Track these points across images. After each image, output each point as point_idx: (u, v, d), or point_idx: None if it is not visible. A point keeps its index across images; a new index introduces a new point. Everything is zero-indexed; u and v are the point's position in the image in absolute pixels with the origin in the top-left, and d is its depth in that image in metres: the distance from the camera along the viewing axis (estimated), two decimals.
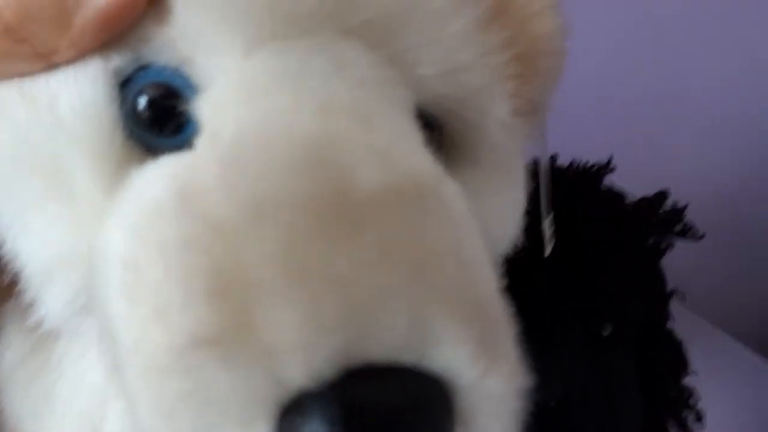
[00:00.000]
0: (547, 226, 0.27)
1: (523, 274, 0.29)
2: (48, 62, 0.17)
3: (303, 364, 0.13)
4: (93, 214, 0.17)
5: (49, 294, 0.18)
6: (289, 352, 0.13)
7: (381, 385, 0.13)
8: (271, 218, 0.14)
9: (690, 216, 0.40)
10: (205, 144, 0.16)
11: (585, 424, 0.34)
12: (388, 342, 0.13)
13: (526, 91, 0.20)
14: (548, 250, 0.27)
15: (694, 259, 0.46)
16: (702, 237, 0.38)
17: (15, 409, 0.21)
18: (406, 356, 0.14)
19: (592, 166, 0.38)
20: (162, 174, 0.16)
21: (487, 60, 0.18)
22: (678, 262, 0.40)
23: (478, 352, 0.14)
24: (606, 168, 0.38)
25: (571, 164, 0.39)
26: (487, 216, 0.19)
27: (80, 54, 0.16)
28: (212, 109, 0.16)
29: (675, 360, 0.41)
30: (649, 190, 0.41)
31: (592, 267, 0.34)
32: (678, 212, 0.39)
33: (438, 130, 0.19)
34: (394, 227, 0.15)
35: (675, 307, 0.40)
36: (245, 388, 0.13)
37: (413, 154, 0.16)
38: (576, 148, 0.39)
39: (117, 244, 0.16)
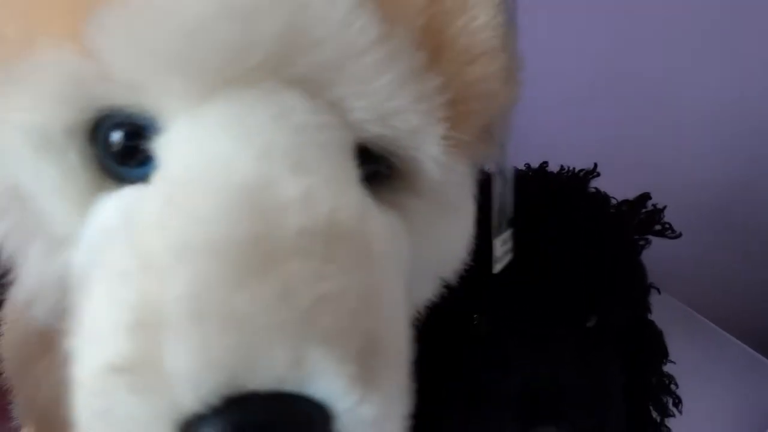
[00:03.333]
0: (499, 244, 0.28)
1: (512, 272, 0.32)
2: None
3: (192, 392, 0.15)
4: (69, 239, 0.19)
5: (39, 306, 0.21)
6: (182, 382, 0.15)
7: (263, 408, 0.16)
8: (190, 260, 0.16)
9: (680, 214, 0.42)
10: (157, 182, 0.18)
11: (574, 410, 0.36)
12: (270, 375, 0.15)
13: (464, 130, 0.21)
14: (497, 268, 0.28)
15: (691, 257, 0.48)
16: (679, 236, 0.41)
17: None
18: (288, 387, 0.16)
19: (580, 171, 0.41)
20: (116, 205, 0.18)
21: (419, 105, 0.19)
22: (674, 260, 0.42)
23: (353, 384, 0.16)
24: (592, 173, 0.41)
25: (561, 169, 0.42)
26: (431, 241, 0.21)
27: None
28: (166, 149, 0.18)
29: (655, 348, 0.44)
30: (638, 192, 0.43)
31: (577, 264, 0.37)
32: (656, 212, 0.42)
33: (384, 162, 0.21)
34: (301, 269, 0.16)
35: (670, 301, 0.42)
36: (147, 410, 0.15)
37: (341, 195, 0.18)
38: (568, 153, 0.42)
39: (78, 265, 0.18)
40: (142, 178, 0.18)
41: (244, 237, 0.16)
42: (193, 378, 0.15)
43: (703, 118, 0.72)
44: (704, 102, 0.72)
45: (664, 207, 0.41)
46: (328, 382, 0.16)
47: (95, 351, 0.16)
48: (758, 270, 0.79)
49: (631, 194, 0.42)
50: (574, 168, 0.41)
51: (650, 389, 0.44)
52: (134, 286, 0.16)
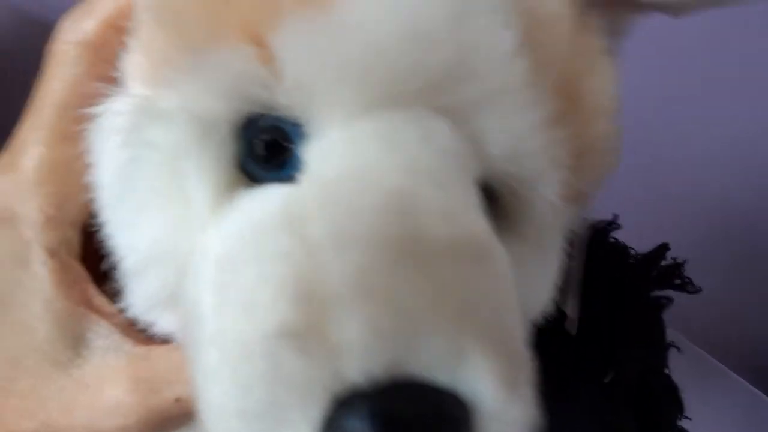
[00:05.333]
0: (573, 307, 0.29)
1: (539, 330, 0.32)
2: None
3: (359, 363, 0.15)
4: (199, 222, 0.20)
5: (139, 285, 0.21)
6: (349, 352, 0.16)
7: (417, 396, 0.16)
8: (353, 247, 0.17)
9: (692, 254, 0.42)
10: (309, 181, 0.19)
11: None
12: (428, 360, 0.16)
13: (578, 182, 0.22)
14: (572, 330, 0.29)
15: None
16: (699, 291, 0.41)
17: None
18: (441, 376, 0.16)
19: (600, 222, 0.40)
20: (271, 197, 0.19)
21: (549, 151, 0.21)
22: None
23: (501, 383, 0.17)
24: (612, 225, 0.41)
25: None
26: (524, 285, 0.21)
27: None
28: (319, 155, 0.19)
29: (671, 403, 0.44)
30: (652, 234, 0.43)
31: (597, 319, 0.36)
32: (677, 267, 0.41)
33: (495, 201, 0.22)
34: (452, 271, 0.17)
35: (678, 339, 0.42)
36: (311, 374, 0.16)
37: (474, 217, 0.19)
38: None
39: (218, 246, 0.19)
40: (281, 179, 0.20)
41: (400, 235, 0.17)
42: (360, 348, 0.16)
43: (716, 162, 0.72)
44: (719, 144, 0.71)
45: (684, 261, 0.41)
46: (481, 377, 0.16)
47: (255, 318, 0.17)
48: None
49: (641, 235, 0.42)
50: (593, 219, 0.40)
51: None
52: (297, 265, 0.17)
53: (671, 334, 0.43)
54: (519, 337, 0.19)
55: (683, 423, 0.44)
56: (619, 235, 0.43)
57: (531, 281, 0.24)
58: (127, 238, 0.21)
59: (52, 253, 0.21)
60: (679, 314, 0.44)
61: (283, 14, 0.18)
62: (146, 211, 0.20)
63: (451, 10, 0.19)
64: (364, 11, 0.18)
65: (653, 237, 0.45)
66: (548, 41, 0.20)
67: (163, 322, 0.22)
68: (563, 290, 0.28)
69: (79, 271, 0.22)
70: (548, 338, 0.34)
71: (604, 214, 0.43)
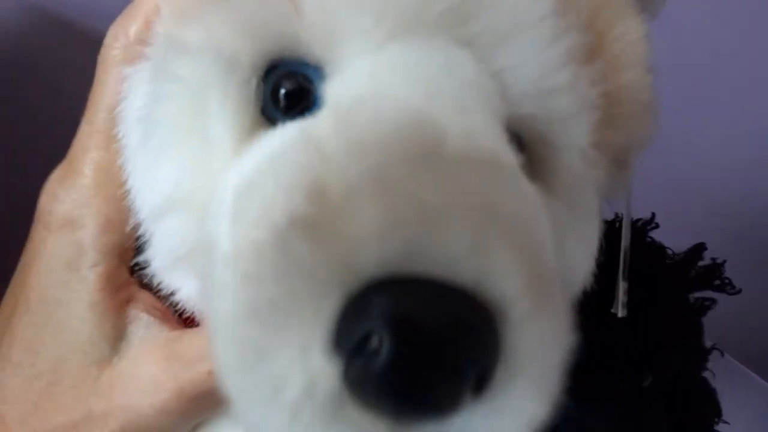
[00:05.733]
0: (621, 291, 0.28)
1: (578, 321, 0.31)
2: None
3: (375, 254, 0.14)
4: (220, 162, 0.19)
5: (161, 234, 0.20)
6: (365, 242, 0.14)
7: (438, 297, 0.14)
8: (371, 152, 0.16)
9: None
10: (326, 111, 0.19)
11: None
12: (449, 255, 0.14)
13: (609, 133, 0.21)
14: (621, 313, 0.28)
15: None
16: (739, 292, 0.40)
17: None
18: (464, 275, 0.15)
19: (638, 221, 0.39)
20: (288, 130, 0.19)
21: (577, 89, 0.20)
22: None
23: (529, 289, 0.15)
24: (650, 223, 0.39)
25: (615, 217, 0.40)
26: (559, 248, 0.20)
27: None
28: (337, 88, 0.19)
29: (707, 407, 0.42)
30: (688, 229, 0.42)
31: (636, 322, 0.35)
32: (716, 267, 0.40)
33: (521, 152, 0.20)
34: (472, 178, 0.16)
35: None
36: (324, 265, 0.14)
37: (499, 143, 0.18)
38: None
39: (236, 179, 0.18)
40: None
41: (418, 145, 0.16)
42: (377, 237, 0.14)
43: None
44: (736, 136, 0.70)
45: (724, 261, 0.40)
46: (505, 280, 0.15)
47: (270, 219, 0.15)
48: None
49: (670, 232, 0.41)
50: (631, 218, 0.39)
51: None
52: (312, 173, 0.16)
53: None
54: (549, 263, 0.17)
55: (720, 427, 0.43)
56: (654, 234, 0.42)
57: (567, 244, 0.22)
58: (149, 181, 0.21)
59: (104, 256, 0.22)
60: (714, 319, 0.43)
61: None
62: (169, 150, 0.20)
63: None
64: None
65: (687, 237, 0.44)
66: None
67: (186, 289, 0.21)
68: (610, 269, 0.27)
69: (127, 276, 0.23)
70: (588, 326, 0.33)
71: (637, 213, 0.42)
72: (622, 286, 0.27)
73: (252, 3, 0.19)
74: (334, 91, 0.19)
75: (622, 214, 0.27)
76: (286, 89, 0.20)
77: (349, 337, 0.14)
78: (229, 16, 0.19)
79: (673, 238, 0.43)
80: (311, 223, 0.15)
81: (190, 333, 0.22)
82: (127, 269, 0.23)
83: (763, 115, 0.68)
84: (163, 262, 0.21)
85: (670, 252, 0.41)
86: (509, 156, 0.18)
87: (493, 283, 0.15)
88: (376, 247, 0.14)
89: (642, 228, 0.39)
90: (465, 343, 0.14)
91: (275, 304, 0.14)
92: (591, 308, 0.31)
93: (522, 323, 0.15)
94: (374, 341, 0.14)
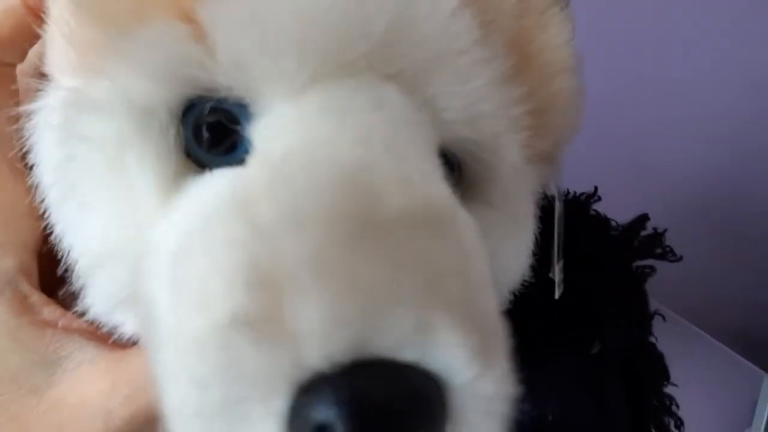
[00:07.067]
0: (557, 272, 0.29)
1: (522, 300, 0.32)
2: None
3: (320, 350, 0.15)
4: (147, 215, 0.19)
5: (96, 284, 0.20)
6: (309, 339, 0.15)
7: (385, 376, 0.15)
8: (307, 227, 0.16)
9: (674, 222, 0.42)
10: (257, 162, 0.18)
11: None
12: (394, 339, 0.15)
13: (540, 142, 0.22)
14: (558, 293, 0.29)
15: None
16: (680, 259, 0.41)
17: None
18: (409, 354, 0.15)
19: (581, 194, 0.41)
20: (218, 183, 0.18)
21: (505, 111, 0.20)
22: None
23: (473, 357, 0.16)
24: (593, 196, 0.41)
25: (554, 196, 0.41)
26: (496, 254, 0.21)
27: None
28: (265, 134, 0.18)
29: (657, 371, 0.44)
30: (632, 200, 0.43)
31: (581, 290, 0.36)
32: (658, 236, 0.42)
33: (457, 169, 0.21)
34: (411, 245, 0.17)
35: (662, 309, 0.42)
36: (270, 365, 0.15)
37: (434, 185, 0.18)
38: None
39: (170, 241, 0.18)
40: (231, 162, 0.19)
41: (354, 211, 0.16)
42: (321, 334, 0.15)
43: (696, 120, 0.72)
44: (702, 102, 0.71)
45: (665, 230, 0.41)
46: (450, 351, 0.15)
47: (209, 309, 0.16)
48: (744, 274, 0.80)
49: (623, 200, 0.43)
50: (575, 192, 0.40)
51: (652, 411, 0.44)
52: (249, 252, 0.16)
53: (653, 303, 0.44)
54: (490, 307, 0.18)
55: (669, 389, 0.44)
56: (598, 206, 0.44)
57: (503, 248, 0.23)
58: (77, 238, 0.20)
59: (7, 283, 0.21)
60: (659, 283, 0.44)
61: None
62: (92, 210, 0.19)
63: None
64: None
65: (632, 207, 0.45)
66: None
67: (130, 324, 0.21)
68: (545, 255, 0.28)
69: (39, 295, 0.21)
70: (532, 307, 0.34)
71: (583, 186, 0.43)
72: (557, 267, 0.28)
73: (161, 52, 0.18)
74: (262, 136, 0.19)
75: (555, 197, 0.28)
76: (209, 127, 0.19)
77: (304, 430, 0.15)
78: (138, 67, 0.18)
79: (617, 210, 0.45)
80: (253, 321, 0.15)
81: (131, 355, 0.21)
82: (41, 291, 0.21)
83: (707, 88, 0.70)
84: (103, 308, 0.20)
85: (614, 224, 0.43)
86: (445, 199, 0.18)
87: (437, 357, 0.15)
88: (322, 341, 0.15)
89: (585, 201, 0.40)
90: (415, 414, 0.15)
91: (224, 410, 0.15)
92: (537, 286, 0.32)
93: (466, 387, 0.16)
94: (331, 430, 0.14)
